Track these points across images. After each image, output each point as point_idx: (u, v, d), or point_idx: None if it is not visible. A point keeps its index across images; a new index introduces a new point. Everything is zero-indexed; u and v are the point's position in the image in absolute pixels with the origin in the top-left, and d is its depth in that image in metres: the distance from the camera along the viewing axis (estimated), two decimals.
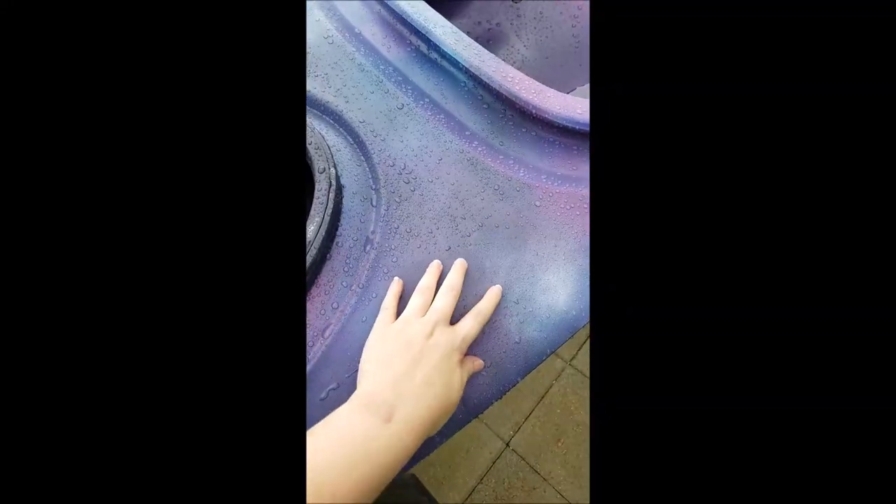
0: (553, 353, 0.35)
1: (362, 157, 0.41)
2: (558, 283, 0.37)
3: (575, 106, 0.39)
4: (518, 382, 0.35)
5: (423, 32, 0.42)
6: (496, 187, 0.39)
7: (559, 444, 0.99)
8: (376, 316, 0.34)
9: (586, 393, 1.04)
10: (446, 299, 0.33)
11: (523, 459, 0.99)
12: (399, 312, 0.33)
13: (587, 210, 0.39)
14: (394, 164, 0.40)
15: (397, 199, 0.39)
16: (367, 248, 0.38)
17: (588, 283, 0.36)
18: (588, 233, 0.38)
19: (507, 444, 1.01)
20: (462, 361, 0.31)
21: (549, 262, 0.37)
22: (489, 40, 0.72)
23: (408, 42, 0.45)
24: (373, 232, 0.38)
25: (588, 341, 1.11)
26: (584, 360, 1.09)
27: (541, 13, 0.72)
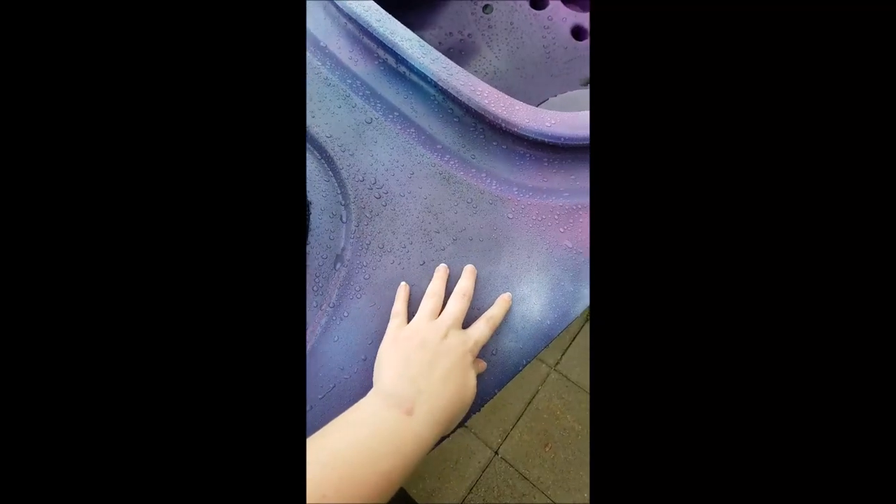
0: (528, 363, 0.35)
1: (330, 173, 0.40)
2: (532, 294, 0.37)
3: (544, 119, 0.39)
4: (496, 394, 0.35)
5: (391, 46, 0.42)
6: (469, 200, 0.39)
7: (547, 450, 0.99)
8: (350, 335, 0.33)
9: (571, 397, 1.05)
10: (459, 304, 0.33)
11: (512, 466, 0.98)
12: (410, 317, 0.33)
13: (558, 221, 0.39)
14: (363, 179, 0.39)
15: (368, 215, 0.38)
16: (338, 265, 0.37)
17: (561, 292, 0.37)
18: (559, 244, 0.38)
19: (496, 453, 1.00)
20: (474, 364, 0.31)
21: (523, 274, 0.37)
22: (461, 51, 0.73)
23: (375, 56, 0.44)
24: (343, 249, 0.37)
25: (571, 345, 1.12)
26: (567, 365, 1.09)
27: (511, 24, 0.73)
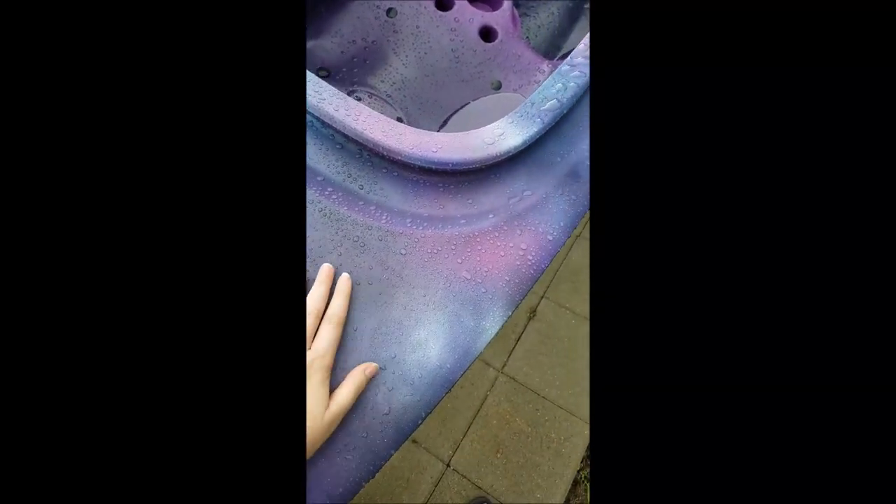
0: (428, 415, 0.33)
1: None
2: (430, 337, 0.34)
3: (430, 144, 0.36)
4: (392, 455, 0.32)
5: None
6: (355, 239, 0.36)
7: (498, 456, 0.99)
8: None
9: (520, 398, 1.05)
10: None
11: (465, 477, 0.97)
12: None
13: (455, 251, 0.36)
14: None
15: None
16: None
17: (461, 329, 0.34)
18: (457, 276, 0.36)
19: (448, 465, 0.98)
20: (327, 382, 0.30)
21: (419, 315, 0.34)
22: (366, 60, 0.68)
23: None
24: None
25: (516, 346, 1.12)
26: (514, 367, 1.09)
27: (417, 27, 0.69)
